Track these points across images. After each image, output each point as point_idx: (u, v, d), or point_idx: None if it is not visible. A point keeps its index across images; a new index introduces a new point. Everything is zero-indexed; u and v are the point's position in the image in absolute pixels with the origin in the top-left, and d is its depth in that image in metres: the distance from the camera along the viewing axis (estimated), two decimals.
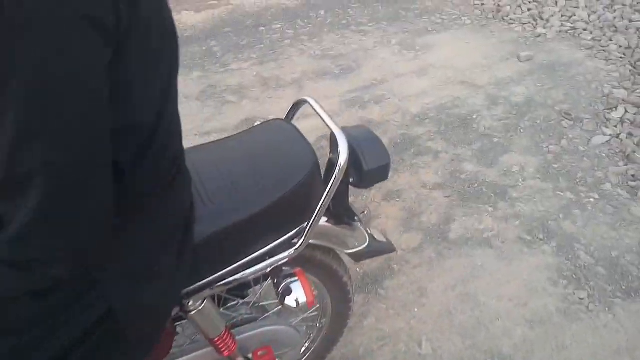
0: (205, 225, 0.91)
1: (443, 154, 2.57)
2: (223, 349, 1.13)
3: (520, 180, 2.39)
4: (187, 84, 3.19)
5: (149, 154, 0.70)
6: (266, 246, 1.03)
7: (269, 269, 1.07)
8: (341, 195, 1.18)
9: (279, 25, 3.86)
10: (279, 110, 2.92)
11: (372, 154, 1.09)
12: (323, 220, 1.21)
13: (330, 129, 1.04)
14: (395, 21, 3.93)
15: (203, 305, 1.03)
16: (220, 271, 0.99)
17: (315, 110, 1.11)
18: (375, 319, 1.81)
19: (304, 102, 1.17)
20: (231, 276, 1.02)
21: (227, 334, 1.13)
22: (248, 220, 0.95)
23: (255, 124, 2.81)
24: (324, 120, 1.07)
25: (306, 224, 1.04)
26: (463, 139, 2.67)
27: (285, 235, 1.05)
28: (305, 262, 1.25)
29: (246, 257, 1.01)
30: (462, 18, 3.97)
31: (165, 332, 1.01)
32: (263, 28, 3.83)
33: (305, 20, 3.93)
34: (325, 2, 4.23)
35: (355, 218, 1.24)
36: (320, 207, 1.02)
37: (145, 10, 0.60)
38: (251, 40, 3.68)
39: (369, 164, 1.08)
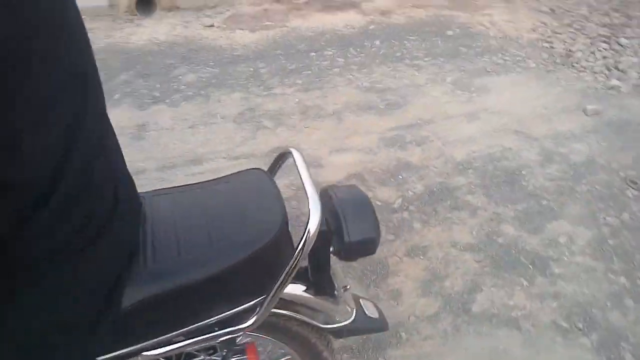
0: (140, 287, 0.79)
1: (482, 211, 2.33)
2: None
3: (566, 253, 2.10)
4: (227, 104, 3.14)
5: (41, 217, 0.58)
6: (217, 315, 0.88)
7: (218, 341, 0.93)
8: (322, 264, 1.03)
9: (330, 52, 3.76)
10: (311, 142, 2.79)
11: (358, 223, 0.94)
12: (301, 290, 1.06)
13: (305, 189, 0.90)
14: (454, 58, 3.72)
15: None
16: (156, 338, 0.85)
17: (296, 165, 0.97)
18: None
19: (290, 154, 1.03)
20: (171, 344, 0.88)
21: None
22: (192, 287, 0.82)
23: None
24: (301, 178, 0.93)
25: (265, 296, 0.89)
26: (507, 196, 2.41)
27: (241, 305, 0.90)
28: (277, 332, 1.10)
29: (191, 325, 0.87)
30: (527, 60, 3.70)
31: None
32: (314, 54, 3.75)
33: (359, 49, 3.81)
34: (383, 33, 4.09)
35: (338, 290, 1.07)
36: (282, 280, 0.87)
37: (19, 49, 0.48)
38: (300, 65, 3.59)
39: (351, 235, 0.92)
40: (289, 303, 1.03)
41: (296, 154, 0.99)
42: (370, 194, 2.43)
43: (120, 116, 2.99)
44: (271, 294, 0.87)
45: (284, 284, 0.87)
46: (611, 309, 1.87)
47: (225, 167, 2.62)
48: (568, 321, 1.83)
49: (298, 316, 1.05)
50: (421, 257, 2.09)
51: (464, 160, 2.66)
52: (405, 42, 3.94)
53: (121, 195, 0.78)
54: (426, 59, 3.71)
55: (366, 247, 0.94)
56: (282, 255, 0.88)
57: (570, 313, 1.85)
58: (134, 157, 2.70)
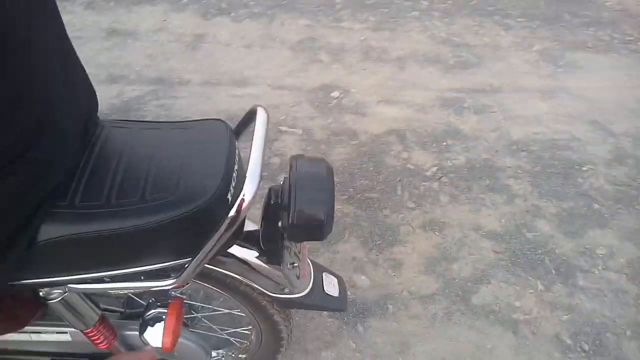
0: (59, 225, 0.76)
1: (520, 199, 2.12)
2: (96, 342, 1.01)
3: (600, 267, 1.88)
4: (290, 29, 3.01)
5: None
6: (141, 267, 0.85)
7: (142, 291, 0.91)
8: (273, 234, 0.96)
9: None
10: (363, 86, 2.63)
11: (306, 205, 0.84)
12: (253, 255, 1.01)
13: (250, 153, 0.81)
14: (552, 24, 3.28)
15: (62, 297, 0.90)
16: (76, 274, 0.83)
17: (255, 125, 0.87)
18: (336, 356, 1.58)
19: (256, 112, 0.93)
20: (95, 283, 0.86)
21: (100, 327, 1.00)
22: (113, 236, 0.77)
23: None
24: (252, 140, 0.84)
25: (190, 259, 0.83)
26: (555, 190, 2.17)
27: (168, 262, 0.86)
28: (229, 289, 1.07)
29: (113, 270, 0.84)
30: (639, 43, 3.19)
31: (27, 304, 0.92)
32: None
33: None
34: None
35: (283, 266, 1.00)
36: (208, 247, 0.81)
37: None
38: (379, 0, 3.34)
39: (296, 217, 0.83)
40: (238, 266, 0.99)
41: (261, 114, 0.89)
42: (405, 155, 2.29)
43: (182, 22, 2.97)
44: (195, 259, 0.81)
45: (210, 251, 0.81)
46: (629, 339, 1.67)
47: (266, 95, 2.55)
48: (574, 339, 1.66)
49: (244, 280, 1.00)
50: (436, 233, 1.96)
51: (520, 140, 2.40)
52: None
53: (58, 123, 0.74)
54: (520, 19, 3.30)
55: (310, 232, 0.84)
56: (217, 219, 0.81)
57: (579, 331, 1.68)
58: (183, 66, 2.70)
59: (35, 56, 0.68)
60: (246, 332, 1.30)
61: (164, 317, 0.91)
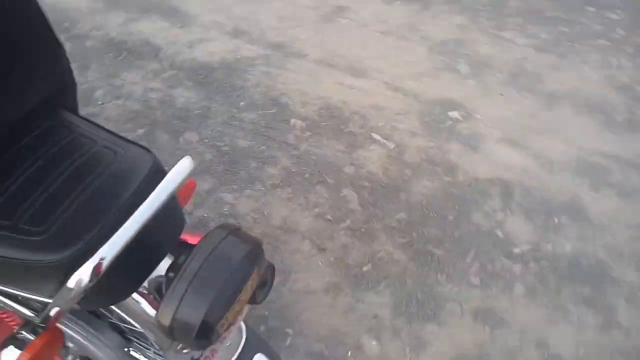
0: None
1: (620, 332, 1.61)
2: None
3: None
4: (439, 24, 2.65)
5: None
6: (10, 288, 0.75)
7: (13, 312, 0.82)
8: None
9: (615, 16, 2.76)
10: (490, 113, 2.22)
11: (184, 298, 0.65)
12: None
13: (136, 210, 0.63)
14: None
15: None
16: None
17: (167, 174, 0.68)
18: None
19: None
20: None
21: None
22: None
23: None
24: (155, 191, 0.66)
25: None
26: None
27: (36, 296, 0.74)
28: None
29: None
30: None
31: None
32: (593, 9, 2.80)
33: None
34: None
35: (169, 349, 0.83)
36: (63, 299, 0.67)
37: None
38: (563, 17, 2.75)
39: (162, 312, 0.65)
40: (140, 315, 0.85)
41: (181, 164, 0.69)
42: (499, 216, 1.88)
43: None
44: (48, 307, 0.68)
45: (67, 303, 0.67)
46: None
47: (376, 93, 2.29)
48: None
49: (146, 333, 0.86)
50: (487, 328, 1.60)
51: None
52: None
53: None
54: None
55: (177, 335, 0.65)
56: None
57: None
58: (308, 37, 2.54)
59: None
60: None
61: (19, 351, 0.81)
